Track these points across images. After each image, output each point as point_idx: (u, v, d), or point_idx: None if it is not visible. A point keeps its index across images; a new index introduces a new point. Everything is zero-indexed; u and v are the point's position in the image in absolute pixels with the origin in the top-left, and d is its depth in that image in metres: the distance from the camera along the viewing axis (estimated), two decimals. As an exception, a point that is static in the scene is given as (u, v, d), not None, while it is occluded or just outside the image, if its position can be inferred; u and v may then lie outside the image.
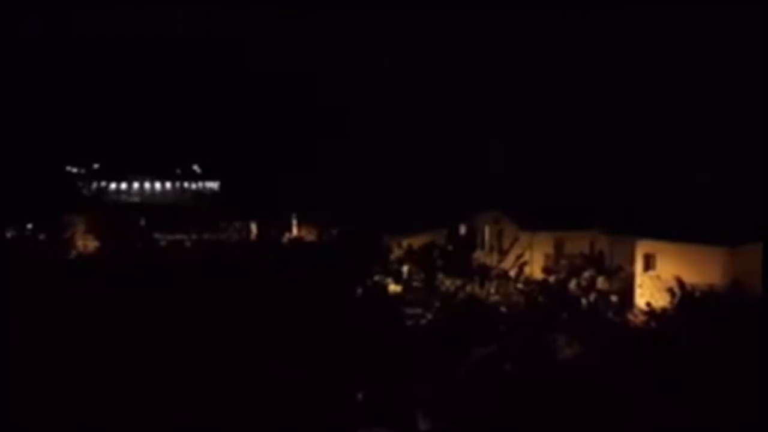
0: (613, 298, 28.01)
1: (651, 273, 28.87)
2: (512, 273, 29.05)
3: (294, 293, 27.59)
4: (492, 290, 28.25)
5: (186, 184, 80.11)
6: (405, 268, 30.22)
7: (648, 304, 25.61)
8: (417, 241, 31.60)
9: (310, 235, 45.19)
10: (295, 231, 48.72)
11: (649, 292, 27.65)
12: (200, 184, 79.27)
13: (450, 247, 29.91)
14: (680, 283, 23.87)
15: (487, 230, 35.16)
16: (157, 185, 79.78)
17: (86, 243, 42.09)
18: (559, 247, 32.86)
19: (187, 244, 46.22)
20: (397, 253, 30.61)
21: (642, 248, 29.56)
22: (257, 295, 28.28)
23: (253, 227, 50.57)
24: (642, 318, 25.45)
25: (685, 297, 23.19)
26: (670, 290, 24.16)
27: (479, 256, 32.05)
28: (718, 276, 24.63)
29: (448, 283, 28.01)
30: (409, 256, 29.98)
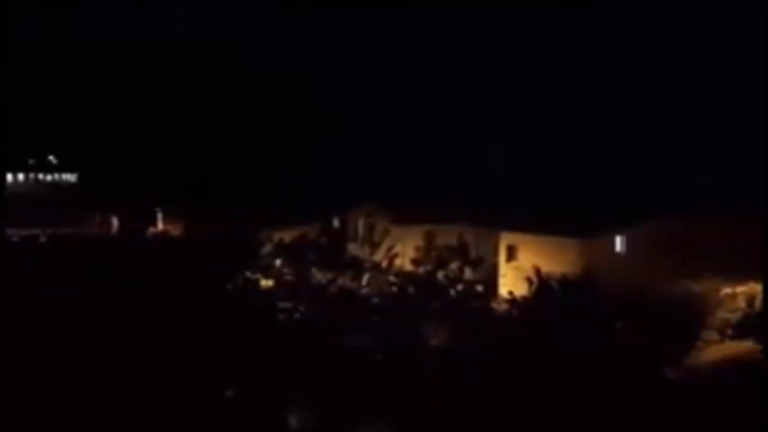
0: (479, 288, 29.22)
1: (513, 263, 30.43)
2: (384, 265, 29.53)
3: (157, 291, 26.49)
4: (364, 282, 28.58)
5: (41, 176, 74.59)
6: (277, 263, 29.88)
7: (510, 293, 27.00)
8: (289, 235, 31.32)
9: (175, 230, 43.48)
10: (160, 225, 46.71)
11: (511, 282, 29.13)
12: (57, 175, 74.05)
13: (323, 241, 29.91)
14: (537, 272, 25.36)
15: (360, 224, 35.51)
16: (9, 177, 73.67)
17: None
18: (429, 239, 33.80)
19: (42, 239, 43.08)
20: (268, 247, 30.17)
21: (505, 240, 31.11)
22: (118, 292, 26.92)
23: (115, 221, 47.96)
24: (505, 306, 26.81)
25: (542, 285, 24.66)
26: (528, 279, 25.59)
27: (352, 249, 32.32)
28: (571, 265, 26.42)
29: (320, 277, 28.01)
30: (281, 250, 29.66)
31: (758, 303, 24.17)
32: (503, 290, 29.42)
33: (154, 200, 48.04)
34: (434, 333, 25.24)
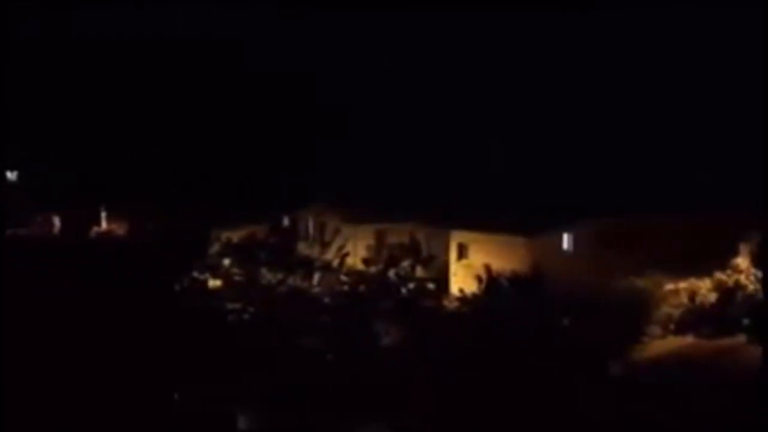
0: (430, 286, 29.34)
1: (464, 261, 30.69)
2: (335, 264, 29.33)
3: (102, 291, 25.79)
4: (315, 282, 28.35)
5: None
6: (226, 262, 29.36)
7: (461, 291, 27.21)
8: (238, 235, 30.81)
9: (120, 229, 42.30)
10: (104, 224, 45.38)
11: (462, 280, 29.38)
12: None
13: (272, 240, 29.51)
14: (488, 269, 25.62)
15: (310, 223, 35.24)
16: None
17: None
18: (380, 238, 33.77)
19: (-22, 241, 41.25)
20: (216, 247, 29.62)
21: (456, 238, 31.34)
22: (60, 293, 26.13)
23: (57, 221, 46.34)
24: (456, 303, 27.03)
25: (491, 282, 24.94)
26: (478, 277, 25.85)
27: (302, 248, 32.01)
28: (520, 262, 26.78)
29: (270, 277, 27.65)
30: (230, 249, 29.15)
31: (699, 298, 24.94)
32: (454, 288, 29.62)
33: (98, 199, 46.66)
34: (386, 332, 25.24)
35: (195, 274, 28.20)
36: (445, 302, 28.22)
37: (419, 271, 30.02)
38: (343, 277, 28.53)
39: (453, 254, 31.39)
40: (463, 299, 26.13)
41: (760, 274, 24.45)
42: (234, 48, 51.06)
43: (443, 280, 30.61)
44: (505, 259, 27.38)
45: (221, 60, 50.64)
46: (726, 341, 23.45)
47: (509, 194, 35.76)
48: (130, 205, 42.22)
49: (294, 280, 27.58)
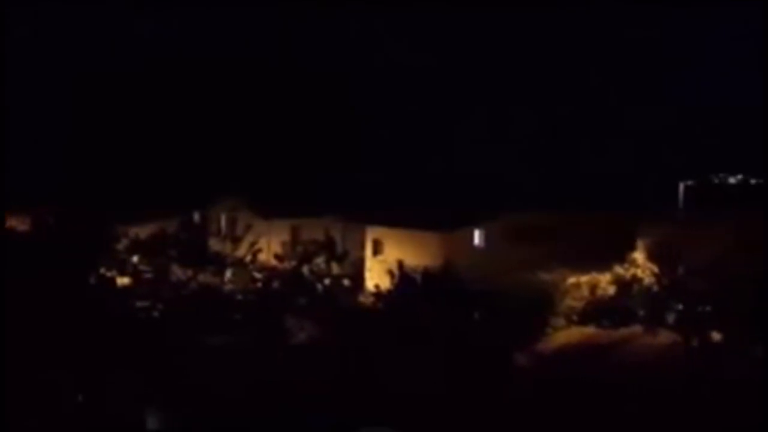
0: (346, 282, 29.41)
1: (379, 257, 31.00)
2: (247, 260, 28.93)
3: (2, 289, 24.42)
4: (227, 278, 27.88)
5: None
6: (135, 259, 28.38)
7: (376, 286, 27.44)
8: (147, 230, 29.86)
9: (23, 225, 40.08)
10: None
11: (377, 275, 29.65)
12: None
13: (183, 236, 28.74)
14: (400, 265, 25.95)
15: (222, 218, 34.66)
16: None
17: None
18: (295, 234, 33.58)
19: None
20: (124, 243, 28.59)
21: (371, 234, 31.63)
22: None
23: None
24: (371, 299, 27.23)
25: (402, 277, 25.28)
26: (390, 272, 26.15)
27: (214, 244, 31.36)
28: (433, 258, 27.34)
29: (180, 273, 26.97)
30: (138, 245, 28.21)
31: (600, 291, 26.24)
32: (370, 284, 29.85)
33: None
34: (301, 328, 25.14)
35: (102, 270, 27.11)
36: (361, 298, 28.39)
37: (335, 268, 30.02)
38: (256, 274, 28.18)
39: (368, 250, 31.65)
40: (378, 295, 26.34)
41: (655, 268, 25.93)
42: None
43: (359, 276, 30.79)
44: (419, 254, 27.89)
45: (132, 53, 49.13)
46: (624, 331, 24.80)
47: (423, 191, 36.38)
48: (34, 200, 40.19)
49: (205, 277, 27.02)
